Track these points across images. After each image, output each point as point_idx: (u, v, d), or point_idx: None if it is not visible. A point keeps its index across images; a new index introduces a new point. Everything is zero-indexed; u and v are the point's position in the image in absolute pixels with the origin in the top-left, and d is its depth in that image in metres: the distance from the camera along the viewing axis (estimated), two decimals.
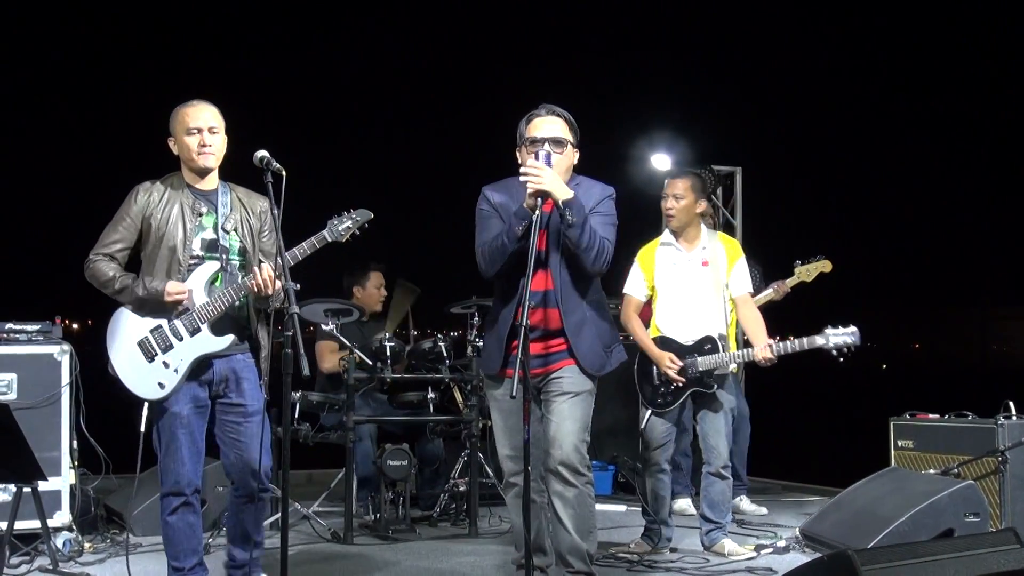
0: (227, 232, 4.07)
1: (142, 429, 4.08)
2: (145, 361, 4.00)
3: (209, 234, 4.06)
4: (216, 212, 4.08)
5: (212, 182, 4.13)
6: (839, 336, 4.91)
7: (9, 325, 5.32)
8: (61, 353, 5.26)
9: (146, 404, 4.05)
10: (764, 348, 5.08)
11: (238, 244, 4.09)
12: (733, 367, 5.28)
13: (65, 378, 5.25)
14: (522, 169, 3.93)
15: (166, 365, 3.97)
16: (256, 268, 3.92)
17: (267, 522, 5.31)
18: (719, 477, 5.23)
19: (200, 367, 4.00)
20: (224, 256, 4.05)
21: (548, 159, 3.96)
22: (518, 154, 4.22)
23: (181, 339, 3.97)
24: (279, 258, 3.80)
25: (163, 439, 4.00)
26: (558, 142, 4.11)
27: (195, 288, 3.99)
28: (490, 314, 4.33)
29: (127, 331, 4.03)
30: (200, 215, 4.05)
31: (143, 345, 4.00)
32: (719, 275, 5.22)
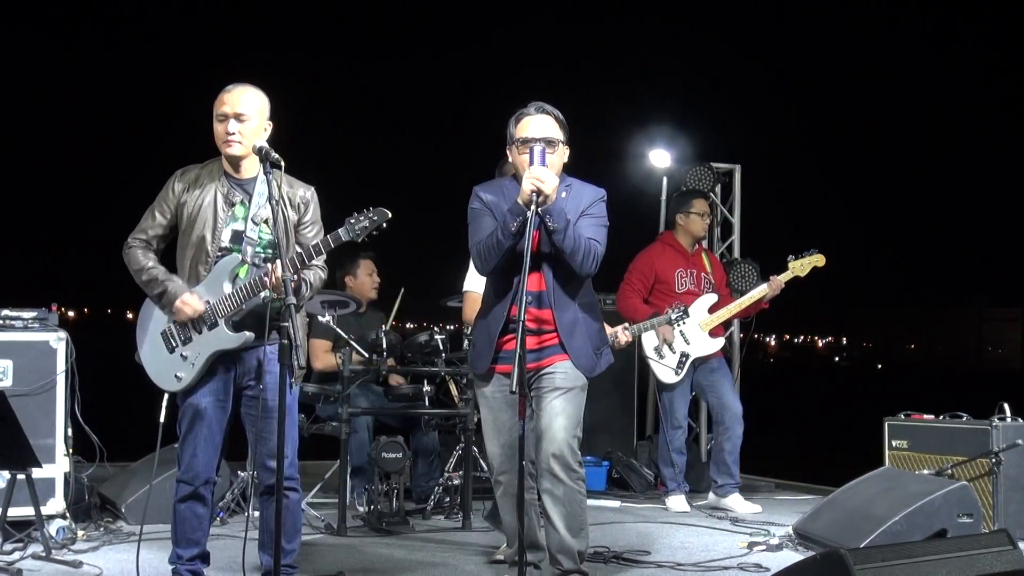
0: (257, 224, 3.98)
1: (161, 419, 4.07)
2: (166, 352, 3.99)
3: (240, 225, 3.98)
4: (250, 202, 3.99)
5: (251, 170, 4.01)
6: None
7: (5, 312, 5.31)
8: (57, 340, 5.25)
9: (165, 394, 4.04)
10: (623, 331, 5.00)
11: (268, 237, 3.98)
12: None
13: (61, 365, 5.24)
14: (526, 174, 3.89)
15: (184, 357, 3.96)
16: (271, 265, 3.84)
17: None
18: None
19: (223, 360, 3.97)
20: (249, 249, 3.97)
21: (543, 156, 3.94)
22: (508, 153, 4.21)
23: (200, 332, 3.95)
24: (283, 250, 3.77)
25: (182, 428, 4.01)
26: (550, 142, 4.07)
27: (216, 282, 3.93)
28: (480, 311, 4.32)
29: (154, 320, 4.03)
30: (233, 205, 3.98)
31: (165, 335, 4.00)
32: None
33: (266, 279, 3.84)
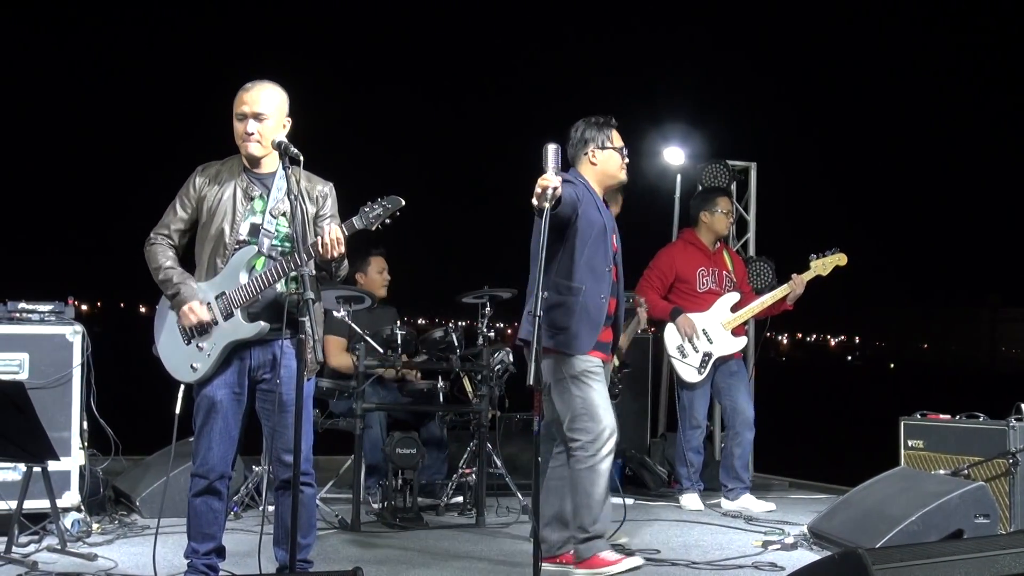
0: (275, 217, 3.99)
1: (177, 410, 4.09)
2: (182, 343, 4.00)
3: (258, 219, 3.99)
4: (268, 196, 4.01)
5: (270, 165, 4.04)
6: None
7: (22, 305, 5.33)
8: (73, 334, 5.27)
9: (181, 386, 4.06)
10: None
11: (285, 230, 3.99)
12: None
13: (77, 359, 5.26)
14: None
15: (200, 348, 3.97)
16: (324, 226, 3.88)
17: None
18: None
19: (238, 352, 3.98)
20: (266, 241, 3.97)
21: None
22: (590, 155, 4.76)
23: (216, 323, 3.96)
24: (299, 244, 3.77)
25: (198, 421, 4.02)
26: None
27: (233, 273, 3.95)
28: (575, 293, 4.60)
29: (171, 313, 4.04)
30: (251, 199, 4.00)
31: (182, 327, 4.00)
32: None
33: (318, 242, 3.81)
